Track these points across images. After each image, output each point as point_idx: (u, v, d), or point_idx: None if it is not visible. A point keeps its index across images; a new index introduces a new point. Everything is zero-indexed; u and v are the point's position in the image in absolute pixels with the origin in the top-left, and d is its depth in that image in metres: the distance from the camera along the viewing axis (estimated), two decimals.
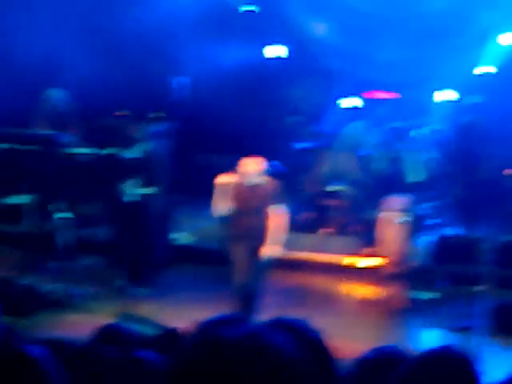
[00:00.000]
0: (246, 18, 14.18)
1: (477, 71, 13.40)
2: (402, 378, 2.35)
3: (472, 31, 13.25)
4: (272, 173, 9.11)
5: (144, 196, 9.79)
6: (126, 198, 9.83)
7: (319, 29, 13.99)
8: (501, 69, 13.20)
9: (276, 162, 11.70)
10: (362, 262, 10.95)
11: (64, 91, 11.38)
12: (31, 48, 11.95)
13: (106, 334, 4.49)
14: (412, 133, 12.38)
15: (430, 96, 13.49)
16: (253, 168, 8.44)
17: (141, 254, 9.97)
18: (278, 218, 8.55)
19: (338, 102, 13.84)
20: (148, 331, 7.40)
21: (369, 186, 12.15)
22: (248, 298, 8.76)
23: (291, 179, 12.28)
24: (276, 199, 8.55)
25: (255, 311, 8.67)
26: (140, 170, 9.88)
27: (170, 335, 7.49)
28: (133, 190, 9.80)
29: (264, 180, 8.57)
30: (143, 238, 9.92)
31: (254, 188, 8.50)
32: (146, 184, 9.78)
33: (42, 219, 10.21)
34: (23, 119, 11.14)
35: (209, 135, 13.74)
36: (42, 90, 11.36)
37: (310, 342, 2.18)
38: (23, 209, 9.80)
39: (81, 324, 8.06)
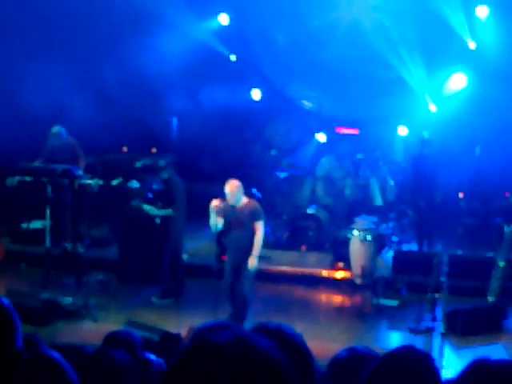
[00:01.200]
0: (229, 64, 14.24)
1: (428, 111, 13.51)
2: (369, 375, 2.30)
3: (423, 79, 13.37)
4: (251, 197, 9.22)
5: (163, 216, 9.84)
6: (149, 215, 9.90)
7: (291, 76, 14.10)
8: (446, 109, 13.31)
9: (254, 189, 11.72)
10: (335, 275, 10.92)
11: (66, 129, 11.35)
12: (41, 95, 11.94)
13: (115, 339, 4.43)
14: (376, 163, 12.42)
15: (388, 131, 13.57)
16: (233, 190, 8.50)
17: (157, 269, 9.94)
18: (259, 233, 8.59)
19: (311, 137, 13.94)
20: (152, 336, 7.33)
21: (340, 209, 12.18)
22: (238, 306, 8.72)
23: (271, 203, 12.29)
24: (257, 217, 8.60)
25: (244, 318, 8.62)
26: (158, 194, 9.92)
27: (170, 340, 7.42)
28: (154, 211, 9.84)
29: (245, 200, 8.65)
30: (160, 254, 9.90)
31: (238, 207, 8.55)
32: (165, 206, 9.79)
33: (62, 241, 10.16)
34: (34, 155, 11.18)
35: (201, 167, 13.76)
36: (49, 130, 11.37)
37: (292, 345, 2.15)
38: (45, 232, 9.73)
39: (94, 331, 7.98)
